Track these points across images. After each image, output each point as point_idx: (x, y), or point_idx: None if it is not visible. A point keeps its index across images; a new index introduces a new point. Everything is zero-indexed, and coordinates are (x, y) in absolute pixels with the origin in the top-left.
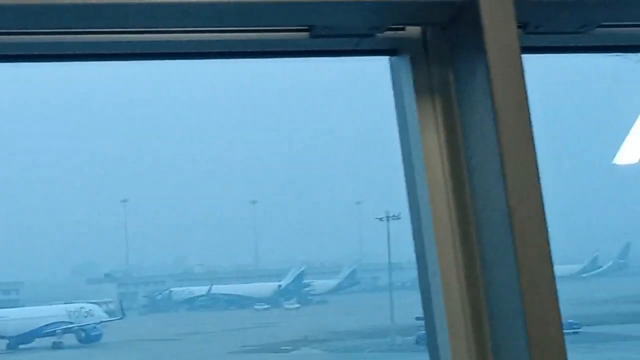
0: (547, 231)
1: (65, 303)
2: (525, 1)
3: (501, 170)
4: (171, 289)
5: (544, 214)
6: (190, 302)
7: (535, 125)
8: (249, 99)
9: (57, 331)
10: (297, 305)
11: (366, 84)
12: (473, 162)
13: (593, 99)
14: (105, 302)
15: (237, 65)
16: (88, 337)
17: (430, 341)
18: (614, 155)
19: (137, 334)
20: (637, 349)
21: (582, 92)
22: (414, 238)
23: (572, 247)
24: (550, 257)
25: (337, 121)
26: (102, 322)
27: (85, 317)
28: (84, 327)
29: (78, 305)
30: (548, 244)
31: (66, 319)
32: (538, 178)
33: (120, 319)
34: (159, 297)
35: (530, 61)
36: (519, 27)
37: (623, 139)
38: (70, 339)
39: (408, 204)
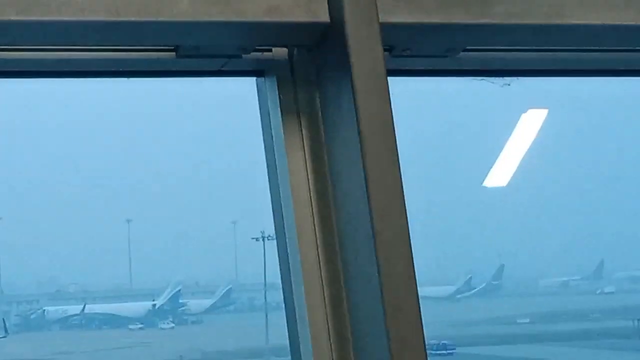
0: (411, 254)
1: None
2: (391, 24)
3: (366, 191)
4: (44, 308)
5: (408, 236)
6: (64, 322)
7: (402, 148)
8: (117, 119)
9: None
10: (172, 325)
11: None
12: (338, 183)
13: (461, 122)
14: None
15: (102, 86)
16: None
17: None
18: (484, 178)
19: (11, 354)
20: None
21: (451, 116)
22: (279, 259)
23: (446, 269)
24: (414, 280)
25: (209, 142)
26: None
27: None
28: None
29: None
30: (412, 266)
31: None
32: (403, 200)
33: (4, 337)
34: (32, 316)
35: (396, 84)
36: (385, 49)
37: (492, 162)
38: None
39: (274, 225)
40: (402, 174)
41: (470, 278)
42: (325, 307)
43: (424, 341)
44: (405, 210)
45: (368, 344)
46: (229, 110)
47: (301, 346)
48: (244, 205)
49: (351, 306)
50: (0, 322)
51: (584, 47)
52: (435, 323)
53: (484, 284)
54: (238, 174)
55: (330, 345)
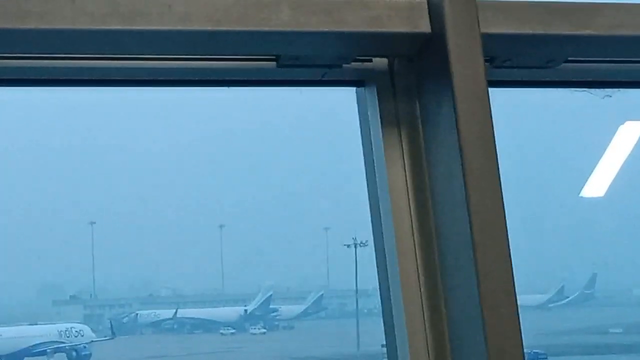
0: (511, 266)
1: (31, 324)
2: (492, 35)
3: (466, 204)
4: (137, 312)
5: (508, 248)
6: (156, 326)
7: (501, 159)
8: (218, 127)
9: (48, 350)
10: (263, 330)
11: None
12: (437, 193)
13: (560, 133)
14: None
15: (203, 94)
16: (79, 356)
17: None
18: (581, 189)
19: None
20: None
21: (550, 127)
22: (378, 269)
23: (539, 278)
24: (514, 292)
25: (306, 149)
26: (92, 341)
27: (76, 337)
28: (75, 347)
29: (68, 325)
30: (512, 278)
31: (57, 339)
32: (503, 211)
33: (111, 338)
34: (125, 319)
35: (497, 95)
36: (486, 60)
37: (590, 173)
38: (60, 359)
39: (372, 235)
40: (502, 184)
41: (563, 287)
42: (423, 316)
43: (522, 351)
44: (505, 221)
45: (465, 353)
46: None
47: (399, 354)
48: (337, 213)
49: (449, 315)
50: (107, 324)
51: None
52: (526, 332)
53: (576, 293)
54: (332, 182)
55: (428, 353)
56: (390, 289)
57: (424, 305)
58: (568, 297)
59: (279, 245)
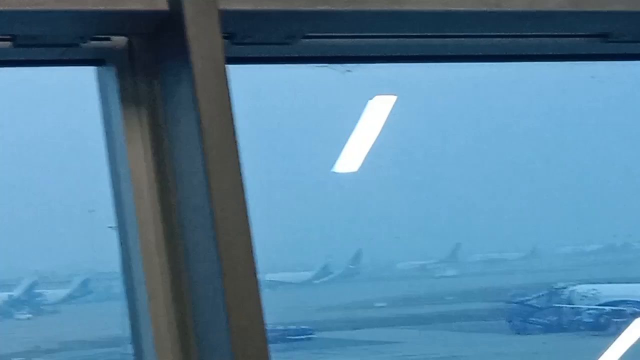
0: (252, 244)
1: None
2: (231, 11)
3: (206, 180)
4: None
5: (249, 226)
6: None
7: (248, 136)
8: None
9: None
10: (29, 315)
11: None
12: (179, 172)
13: (307, 110)
14: None
15: None
16: None
17: (137, 353)
18: (334, 164)
19: None
20: (367, 353)
21: (296, 104)
22: (121, 250)
23: (303, 255)
24: (255, 267)
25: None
26: None
27: None
28: None
29: None
30: (253, 256)
31: None
32: (243, 187)
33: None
34: None
35: (238, 72)
36: (225, 37)
37: (342, 148)
38: None
39: (115, 216)
40: (249, 162)
41: (328, 263)
42: (166, 297)
43: (265, 329)
44: (245, 197)
45: (209, 332)
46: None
47: (142, 336)
48: (101, 195)
49: (193, 296)
50: None
51: (425, 34)
52: (293, 308)
53: (341, 269)
54: (94, 163)
55: (171, 331)
56: (133, 270)
57: (166, 286)
58: (333, 273)
59: (43, 229)
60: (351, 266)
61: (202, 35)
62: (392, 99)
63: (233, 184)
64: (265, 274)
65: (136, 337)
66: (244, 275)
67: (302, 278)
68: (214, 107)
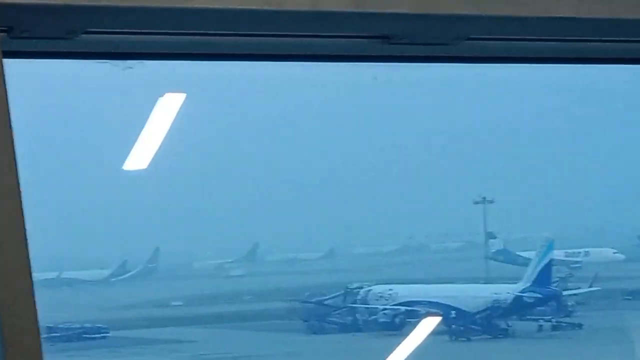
0: (26, 240)
1: None
2: (9, 5)
3: None
4: None
5: (23, 223)
6: None
7: (27, 133)
8: None
9: None
10: None
11: None
12: None
13: (89, 106)
14: None
15: None
16: None
17: None
18: (124, 162)
19: None
20: (163, 352)
21: (76, 99)
22: None
23: (101, 253)
24: (29, 266)
25: None
26: None
27: None
28: None
29: None
30: (27, 254)
31: None
32: (18, 185)
33: None
34: None
35: (18, 67)
36: (3, 31)
37: (131, 146)
38: None
39: None
40: (32, 161)
41: (126, 261)
42: None
43: (38, 327)
44: (21, 196)
45: None
46: None
47: None
48: None
49: None
50: None
51: (214, 32)
52: (89, 306)
53: (139, 267)
54: None
55: None
56: None
57: None
58: (131, 271)
59: None
60: (149, 264)
61: None
62: (181, 96)
63: (8, 181)
64: (62, 272)
65: None
66: (17, 275)
67: (99, 276)
68: None
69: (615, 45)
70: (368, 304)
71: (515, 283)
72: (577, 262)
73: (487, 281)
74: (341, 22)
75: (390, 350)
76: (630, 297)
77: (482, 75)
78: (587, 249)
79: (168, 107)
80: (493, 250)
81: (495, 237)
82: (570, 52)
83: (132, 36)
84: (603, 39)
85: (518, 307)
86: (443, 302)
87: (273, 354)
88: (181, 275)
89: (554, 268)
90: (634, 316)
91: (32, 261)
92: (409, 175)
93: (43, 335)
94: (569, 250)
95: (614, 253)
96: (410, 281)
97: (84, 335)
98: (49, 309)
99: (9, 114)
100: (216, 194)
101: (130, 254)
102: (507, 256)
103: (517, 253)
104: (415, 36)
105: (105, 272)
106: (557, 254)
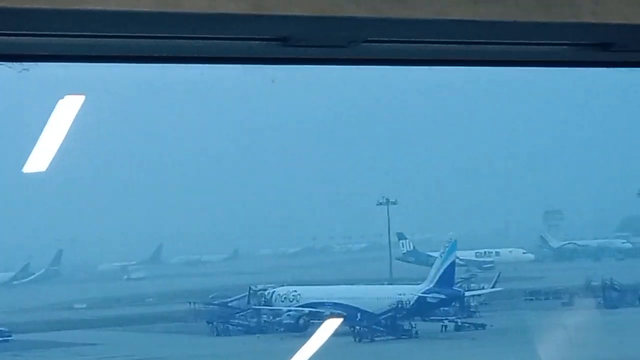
0: None
1: None
2: None
3: None
4: None
5: None
6: None
7: None
8: None
9: None
10: None
11: None
12: None
13: None
14: None
15: None
16: None
17: None
18: (24, 164)
19: None
20: (67, 355)
21: None
22: None
23: (1, 255)
24: None
25: None
26: None
27: None
28: None
29: None
30: None
31: None
32: None
33: None
34: None
35: None
36: None
37: (28, 149)
38: None
39: None
40: None
41: (28, 264)
42: None
43: None
44: None
45: None
46: None
47: None
48: None
49: None
50: None
51: (113, 34)
52: None
53: (42, 270)
54: None
55: None
56: None
57: None
58: (34, 273)
59: None
60: (52, 267)
61: None
62: (80, 98)
63: None
64: None
65: None
66: None
67: (1, 279)
68: None
69: (511, 47)
70: (272, 306)
71: (419, 284)
72: (488, 262)
73: (392, 282)
74: (239, 24)
75: (294, 351)
76: (531, 298)
77: (380, 77)
78: (497, 250)
79: (67, 109)
80: (403, 251)
81: (405, 238)
82: (468, 54)
83: (27, 38)
84: (500, 41)
85: (422, 307)
86: (347, 303)
87: (178, 355)
88: (84, 277)
89: (463, 269)
90: (534, 316)
91: None
92: (312, 176)
93: None
94: (480, 251)
95: (524, 253)
96: (315, 282)
97: None
98: None
99: None
100: (119, 196)
101: (33, 257)
102: (417, 257)
103: (428, 253)
104: (312, 39)
105: (8, 275)
106: (467, 255)
